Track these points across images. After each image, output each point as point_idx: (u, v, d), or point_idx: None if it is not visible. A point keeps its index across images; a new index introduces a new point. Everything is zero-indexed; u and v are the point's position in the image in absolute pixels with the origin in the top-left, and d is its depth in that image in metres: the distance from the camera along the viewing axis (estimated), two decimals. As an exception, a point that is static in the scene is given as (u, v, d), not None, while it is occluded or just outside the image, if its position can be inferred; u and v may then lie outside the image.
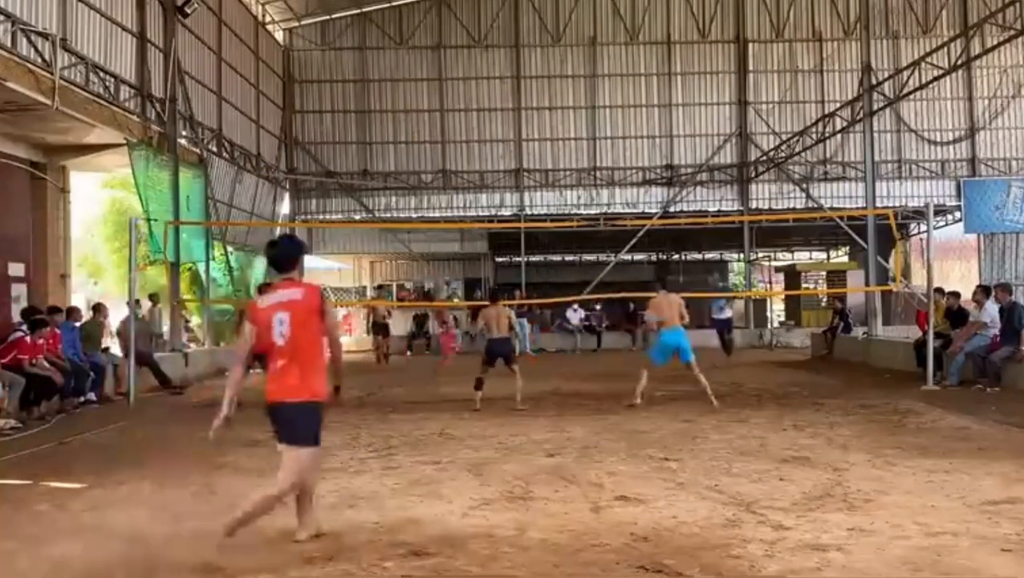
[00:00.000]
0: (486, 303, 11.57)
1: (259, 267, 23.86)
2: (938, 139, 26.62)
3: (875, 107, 20.11)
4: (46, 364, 10.27)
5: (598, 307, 24.25)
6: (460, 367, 14.98)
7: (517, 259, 27.75)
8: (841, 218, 24.02)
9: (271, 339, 4.46)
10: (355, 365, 18.67)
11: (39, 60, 12.23)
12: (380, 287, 20.00)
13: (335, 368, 4.69)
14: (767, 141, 26.30)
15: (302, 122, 27.11)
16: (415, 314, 25.01)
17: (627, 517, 5.02)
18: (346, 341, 27.35)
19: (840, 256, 34.75)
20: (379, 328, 21.02)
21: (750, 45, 26.76)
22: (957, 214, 26.55)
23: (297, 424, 4.47)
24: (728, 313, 19.83)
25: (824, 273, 30.86)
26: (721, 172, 26.80)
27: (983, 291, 12.24)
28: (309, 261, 29.07)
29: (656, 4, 26.70)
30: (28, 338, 10.10)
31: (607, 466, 6.56)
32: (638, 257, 31.66)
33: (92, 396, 11.45)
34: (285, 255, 4.68)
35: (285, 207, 26.87)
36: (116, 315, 14.29)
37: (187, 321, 19.97)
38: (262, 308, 4.56)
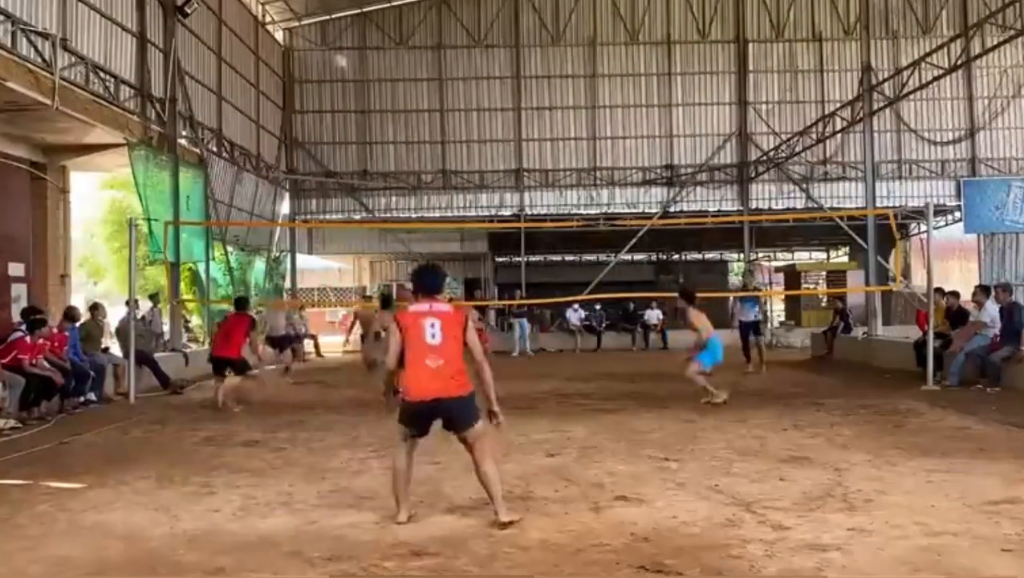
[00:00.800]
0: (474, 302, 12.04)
1: (259, 267, 23.89)
2: (938, 139, 26.61)
3: (875, 107, 20.12)
4: (46, 364, 10.27)
5: (598, 307, 24.25)
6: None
7: (517, 259, 27.76)
8: (841, 218, 24.02)
9: (423, 341, 4.97)
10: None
11: (39, 60, 12.22)
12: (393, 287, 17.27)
13: (484, 388, 5.12)
14: (767, 141, 26.29)
15: (302, 122, 27.11)
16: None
17: (627, 517, 5.02)
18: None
19: (840, 256, 34.75)
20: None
21: (750, 45, 26.76)
22: (957, 214, 26.55)
23: (469, 410, 5.03)
24: (753, 315, 16.09)
25: (824, 273, 30.86)
26: (721, 172, 26.79)
27: (983, 291, 12.25)
28: (308, 261, 29.20)
29: (656, 4, 26.70)
30: (28, 338, 10.10)
31: (607, 466, 6.56)
32: (638, 257, 31.65)
33: (93, 396, 11.45)
34: (436, 284, 5.31)
35: (285, 207, 26.88)
36: (116, 315, 14.30)
37: (187, 321, 20.00)
38: (412, 313, 5.12)
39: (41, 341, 10.30)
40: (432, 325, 4.98)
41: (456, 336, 5.02)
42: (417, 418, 5.04)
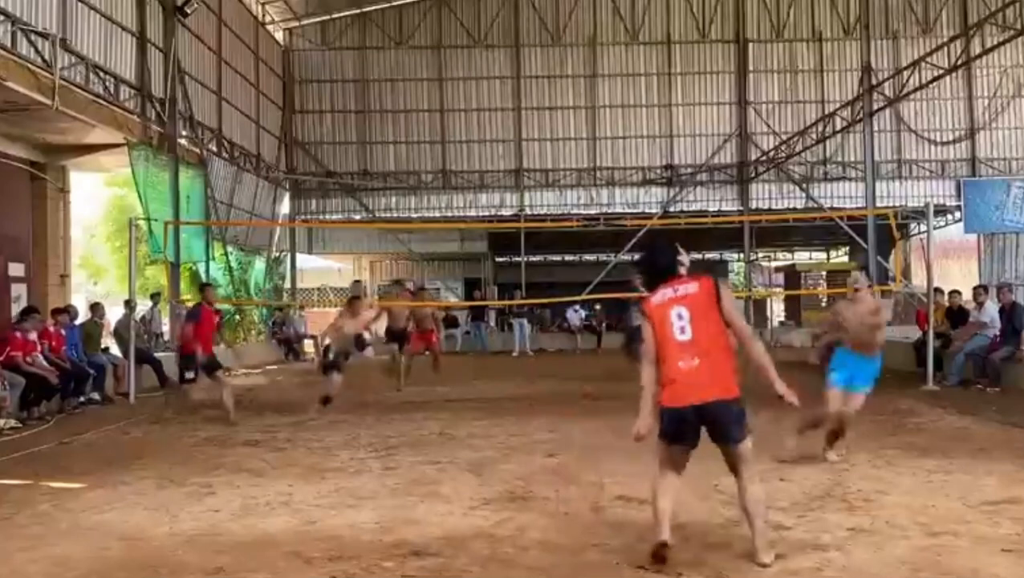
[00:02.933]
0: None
1: (259, 267, 23.89)
2: (938, 139, 26.60)
3: (875, 107, 20.12)
4: (43, 362, 10.23)
5: (598, 307, 24.24)
6: (460, 368, 14.97)
7: (517, 259, 27.75)
8: (841, 218, 24.01)
9: (671, 336, 4.18)
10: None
11: (39, 60, 12.22)
12: (398, 282, 15.57)
13: (761, 365, 4.36)
14: (767, 141, 26.29)
15: (302, 122, 27.10)
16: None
17: (627, 517, 5.02)
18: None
19: (840, 256, 34.75)
20: (395, 335, 13.90)
21: (750, 45, 26.75)
22: (957, 214, 26.53)
23: (741, 418, 4.31)
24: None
25: (824, 273, 30.85)
26: (721, 172, 26.79)
27: (983, 290, 12.25)
28: (308, 261, 29.18)
29: (656, 4, 26.69)
30: (19, 334, 10.07)
31: (607, 466, 6.55)
32: (638, 257, 31.59)
33: (96, 396, 11.46)
34: (660, 264, 4.43)
35: (285, 207, 26.87)
36: (116, 315, 14.30)
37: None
38: (656, 304, 4.27)
39: (34, 337, 10.26)
40: (680, 317, 4.18)
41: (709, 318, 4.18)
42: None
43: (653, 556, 4.03)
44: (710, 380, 4.15)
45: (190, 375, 9.49)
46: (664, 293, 4.27)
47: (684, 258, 4.58)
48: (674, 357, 4.17)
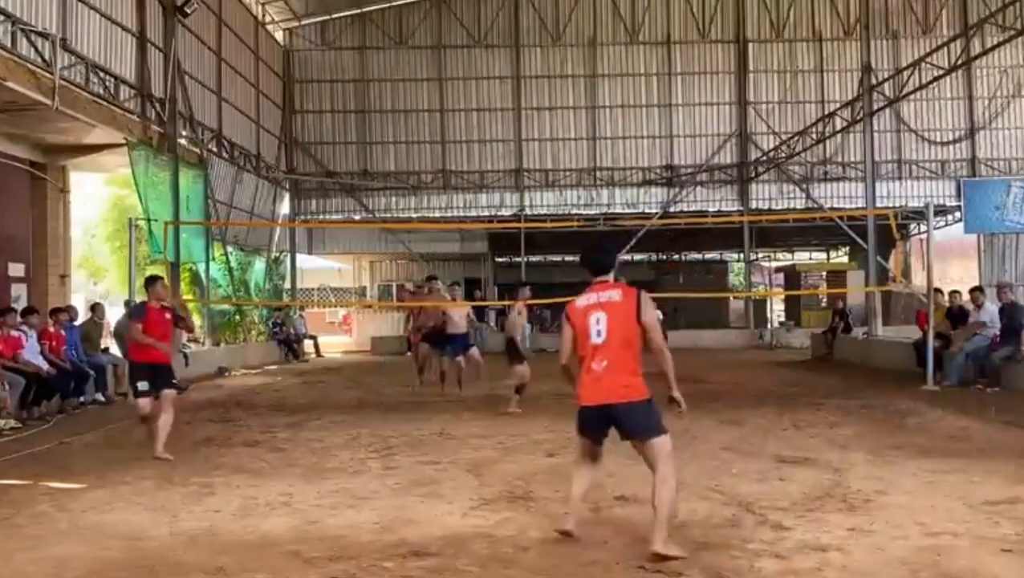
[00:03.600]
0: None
1: (259, 267, 23.89)
2: (938, 139, 26.62)
3: (875, 107, 20.10)
4: (28, 360, 10.12)
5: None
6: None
7: (517, 259, 27.76)
8: (841, 218, 24.01)
9: (587, 340, 4.49)
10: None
11: (39, 60, 12.22)
12: (432, 278, 14.24)
13: (664, 372, 4.57)
14: (767, 141, 26.29)
15: (302, 122, 27.11)
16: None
17: (627, 517, 5.02)
18: (346, 342, 27.52)
19: (840, 256, 34.75)
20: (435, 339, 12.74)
21: (750, 45, 26.76)
22: (957, 214, 26.49)
23: (648, 417, 4.43)
24: None
25: (824, 273, 30.85)
26: (721, 172, 26.79)
27: (979, 292, 12.27)
28: (308, 261, 29.19)
29: (656, 4, 26.70)
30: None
31: (607, 466, 6.53)
32: (638, 257, 31.64)
33: (100, 396, 11.46)
34: (597, 260, 4.73)
35: (285, 207, 26.87)
36: (116, 315, 14.30)
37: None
38: (579, 309, 4.59)
39: (18, 335, 10.17)
40: (598, 322, 4.49)
41: (626, 327, 4.49)
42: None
43: (561, 532, 4.54)
44: (617, 383, 4.41)
45: (143, 386, 7.37)
46: (588, 298, 4.59)
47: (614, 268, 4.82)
48: (588, 359, 4.49)
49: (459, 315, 12.08)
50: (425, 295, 14.11)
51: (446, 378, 12.24)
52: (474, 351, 12.04)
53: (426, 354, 12.91)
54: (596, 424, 4.52)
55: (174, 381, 7.95)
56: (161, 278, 8.12)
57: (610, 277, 4.71)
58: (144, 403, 7.35)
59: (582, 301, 4.62)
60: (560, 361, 4.75)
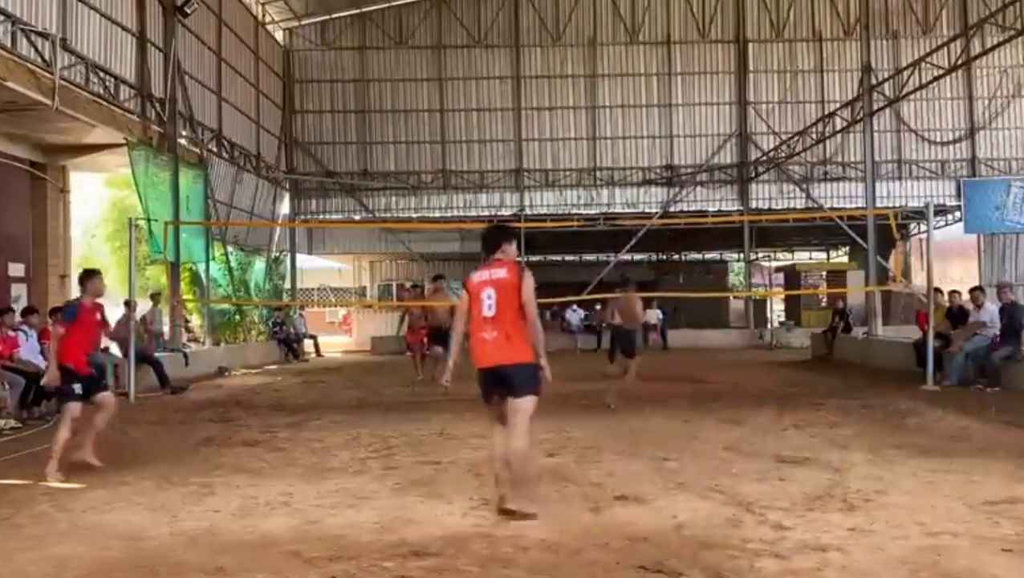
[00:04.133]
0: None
1: (259, 267, 23.90)
2: (938, 139, 26.63)
3: (875, 107, 20.11)
4: (28, 359, 10.11)
5: (598, 307, 24.23)
6: (460, 369, 14.90)
7: (517, 259, 27.74)
8: (841, 218, 24.02)
9: (480, 311, 5.13)
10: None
11: (39, 60, 12.23)
12: (439, 277, 14.56)
13: (535, 346, 5.13)
14: (767, 141, 26.30)
15: (302, 122, 27.12)
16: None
17: (627, 517, 5.02)
18: (346, 342, 27.52)
19: (840, 256, 34.76)
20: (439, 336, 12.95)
21: (750, 45, 26.77)
22: (957, 214, 26.54)
23: (523, 380, 5.06)
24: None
25: (824, 273, 30.85)
26: (721, 172, 26.80)
27: (980, 292, 12.26)
28: (308, 261, 29.20)
29: (656, 4, 26.71)
30: None
31: (607, 466, 6.55)
32: (638, 257, 31.66)
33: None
34: (490, 239, 5.40)
35: (285, 207, 26.89)
36: (116, 315, 14.27)
37: (187, 321, 20.00)
38: (475, 283, 5.23)
39: (13, 335, 10.16)
40: (489, 296, 5.11)
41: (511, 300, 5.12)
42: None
43: (501, 511, 4.98)
44: (505, 348, 5.05)
45: (78, 389, 6.82)
46: (482, 274, 5.24)
47: (511, 249, 5.40)
48: (480, 328, 5.14)
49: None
50: (432, 294, 14.13)
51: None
52: None
53: (439, 356, 12.64)
54: (491, 383, 5.14)
55: (103, 381, 7.64)
56: (99, 272, 7.59)
57: (504, 255, 5.30)
58: (76, 408, 6.79)
59: (476, 276, 5.26)
60: (456, 326, 5.42)
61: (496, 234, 5.45)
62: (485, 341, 5.10)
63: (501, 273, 5.17)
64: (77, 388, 6.80)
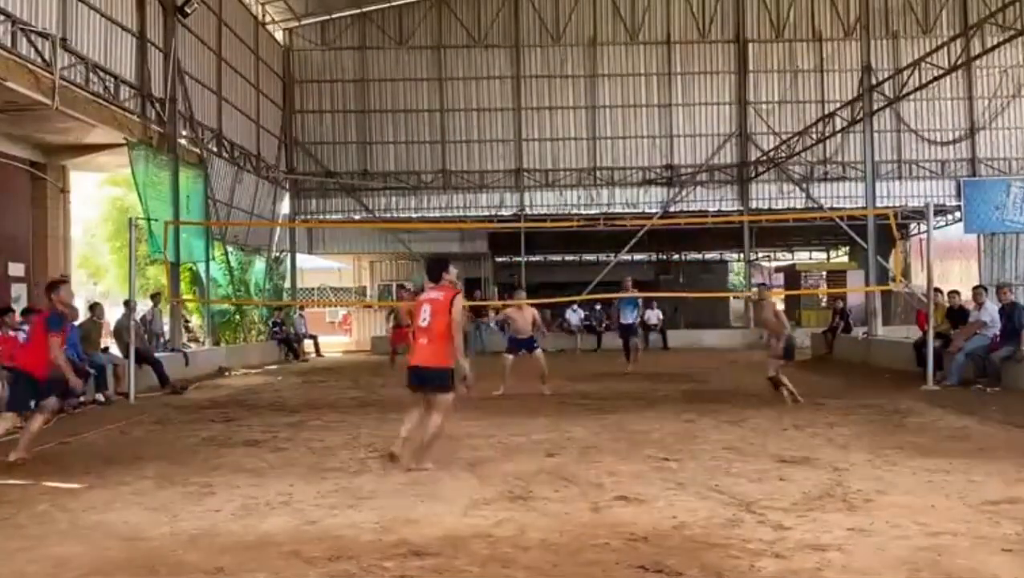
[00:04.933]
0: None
1: (259, 267, 23.90)
2: (938, 139, 26.62)
3: (875, 107, 20.10)
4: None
5: (598, 307, 24.25)
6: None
7: (517, 259, 27.77)
8: (841, 218, 24.02)
9: (418, 321, 6.57)
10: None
11: (39, 60, 12.23)
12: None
13: (456, 355, 6.51)
14: (767, 141, 26.30)
15: (302, 122, 27.11)
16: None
17: (627, 517, 5.02)
18: (346, 341, 27.50)
19: (840, 256, 34.76)
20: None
21: (750, 45, 26.76)
22: (957, 214, 26.54)
23: (436, 381, 6.46)
24: (632, 318, 16.12)
25: (824, 273, 30.86)
26: (721, 172, 26.80)
27: (983, 290, 12.25)
28: (308, 261, 29.20)
29: (656, 4, 26.70)
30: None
31: (607, 466, 6.56)
32: (638, 257, 31.66)
33: (100, 397, 11.45)
34: (431, 270, 6.83)
35: (285, 207, 26.88)
36: (116, 315, 14.29)
37: (187, 321, 20.01)
38: (420, 299, 6.76)
39: (12, 336, 10.13)
40: (425, 311, 6.51)
41: (441, 317, 6.46)
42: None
43: (389, 456, 6.54)
44: (430, 353, 6.47)
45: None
46: (427, 293, 6.73)
47: (451, 275, 6.71)
48: (417, 335, 6.61)
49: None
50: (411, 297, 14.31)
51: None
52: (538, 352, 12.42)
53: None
54: (414, 377, 6.54)
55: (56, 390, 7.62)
56: (65, 280, 7.72)
57: (444, 281, 6.67)
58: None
59: (423, 295, 6.83)
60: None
61: (435, 266, 6.78)
62: (418, 344, 6.57)
63: (439, 295, 6.57)
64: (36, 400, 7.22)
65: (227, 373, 16.49)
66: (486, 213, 26.57)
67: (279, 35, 26.41)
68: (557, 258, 33.82)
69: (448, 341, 6.38)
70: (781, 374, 10.55)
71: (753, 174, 26.51)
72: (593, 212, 26.44)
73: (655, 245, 30.83)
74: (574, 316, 24.35)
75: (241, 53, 22.57)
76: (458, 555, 4.32)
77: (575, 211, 26.25)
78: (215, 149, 20.30)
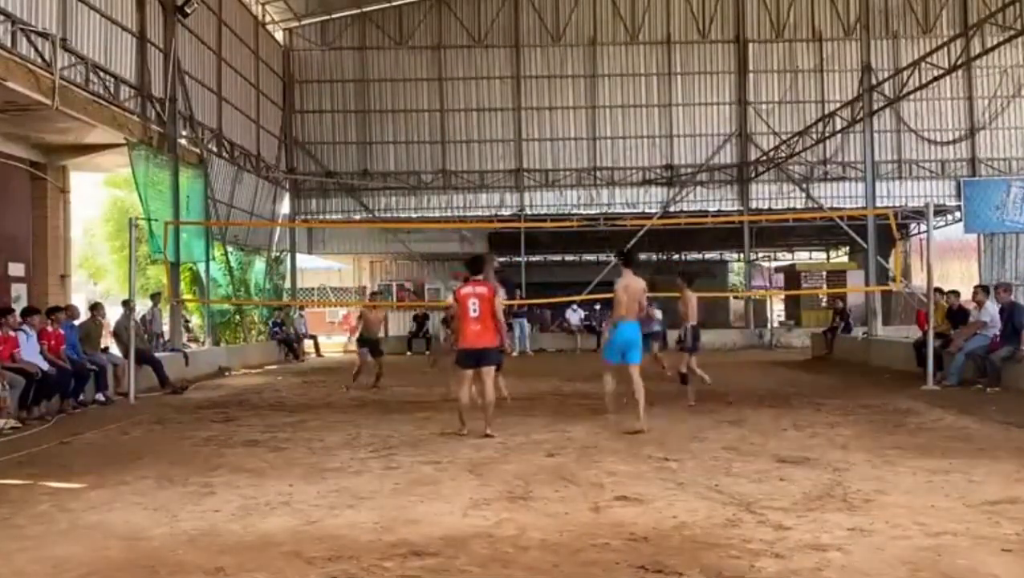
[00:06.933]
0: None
1: (259, 267, 23.90)
2: (938, 139, 26.62)
3: (875, 107, 20.11)
4: (28, 360, 10.09)
5: (598, 307, 24.24)
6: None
7: (517, 259, 27.76)
8: (841, 218, 24.02)
9: (467, 312, 8.12)
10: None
11: (39, 60, 12.23)
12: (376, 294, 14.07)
13: (500, 333, 8.35)
14: (767, 141, 26.29)
15: (302, 122, 27.12)
16: (415, 314, 25.06)
17: (627, 517, 5.02)
18: (346, 341, 27.43)
19: (840, 256, 34.76)
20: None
21: (750, 45, 26.76)
22: (957, 214, 26.55)
23: (492, 357, 8.26)
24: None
25: (824, 273, 30.87)
26: (721, 172, 26.80)
27: (983, 291, 12.24)
28: (308, 261, 29.20)
29: (656, 4, 26.70)
30: None
31: (607, 466, 6.56)
32: (469, 258, 31.51)
33: (100, 396, 11.44)
34: (474, 266, 8.48)
35: (285, 207, 26.88)
36: (116, 315, 14.30)
37: (187, 321, 20.01)
38: (463, 294, 8.25)
39: (12, 336, 10.12)
40: (474, 303, 8.12)
41: (488, 306, 8.17)
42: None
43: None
44: (483, 337, 8.12)
45: None
46: (468, 289, 8.25)
47: (489, 270, 8.46)
48: (468, 323, 8.15)
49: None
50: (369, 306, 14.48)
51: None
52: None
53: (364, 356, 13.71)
54: (471, 358, 8.15)
55: None
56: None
57: (482, 276, 8.33)
58: None
59: (465, 290, 8.30)
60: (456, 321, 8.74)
61: (476, 262, 8.47)
62: (472, 331, 8.14)
63: (483, 289, 8.17)
64: None
65: (227, 373, 16.49)
66: (486, 213, 26.57)
67: (279, 35, 26.41)
68: (557, 258, 33.81)
69: (496, 325, 8.09)
70: (685, 367, 10.58)
71: (753, 174, 26.51)
72: (593, 212, 26.45)
73: (655, 245, 30.81)
74: (574, 316, 24.35)
75: (241, 53, 22.57)
76: (458, 555, 4.32)
77: (575, 211, 26.26)
78: (215, 149, 20.30)
